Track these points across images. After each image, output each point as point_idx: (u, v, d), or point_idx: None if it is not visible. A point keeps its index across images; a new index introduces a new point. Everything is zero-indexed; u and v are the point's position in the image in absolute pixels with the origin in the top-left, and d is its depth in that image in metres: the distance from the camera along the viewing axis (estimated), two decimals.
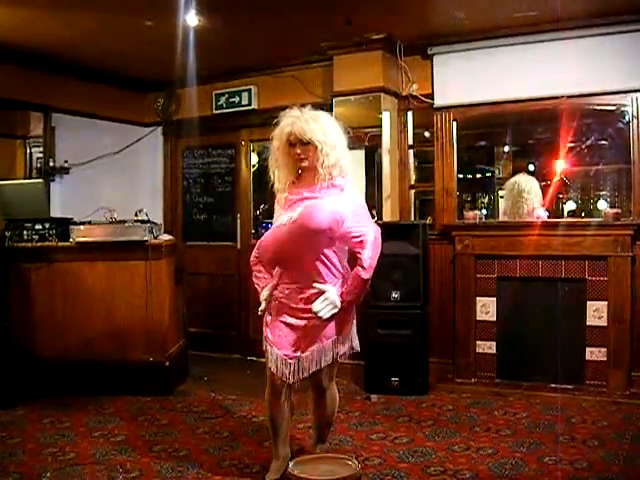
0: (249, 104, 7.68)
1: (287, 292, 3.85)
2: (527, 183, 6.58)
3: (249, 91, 7.65)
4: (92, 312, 6.10)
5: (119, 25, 6.18)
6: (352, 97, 6.71)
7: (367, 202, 6.52)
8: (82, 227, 6.05)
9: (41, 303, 6.16)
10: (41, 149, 7.68)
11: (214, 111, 7.90)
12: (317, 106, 7.01)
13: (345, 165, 3.79)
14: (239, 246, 7.96)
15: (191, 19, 5.82)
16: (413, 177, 7.00)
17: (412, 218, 6.93)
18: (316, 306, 3.68)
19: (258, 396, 5.65)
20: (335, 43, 6.67)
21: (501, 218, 6.76)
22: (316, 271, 3.76)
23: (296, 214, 3.67)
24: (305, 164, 3.75)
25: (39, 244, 6.17)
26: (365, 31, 6.41)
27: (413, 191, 6.99)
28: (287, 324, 3.87)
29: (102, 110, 7.83)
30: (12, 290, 6.00)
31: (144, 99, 8.40)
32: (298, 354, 3.84)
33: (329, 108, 6.89)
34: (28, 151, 7.89)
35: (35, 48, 6.77)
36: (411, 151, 6.97)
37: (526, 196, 6.52)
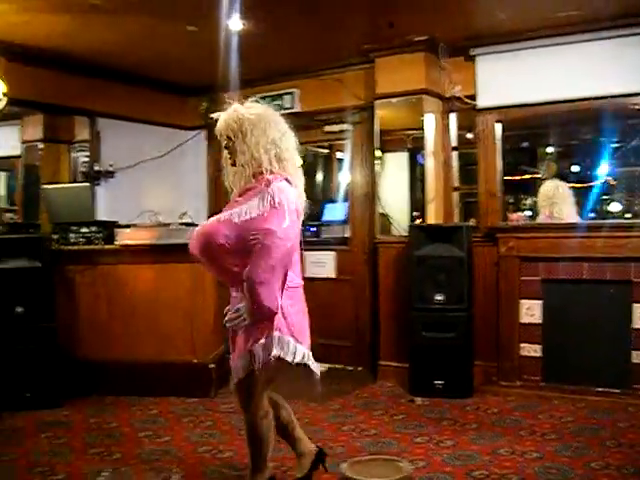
0: (292, 107, 7.68)
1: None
2: (559, 189, 6.50)
3: (292, 94, 7.67)
4: (136, 314, 6.16)
5: (163, 30, 6.24)
6: (394, 99, 6.69)
7: (410, 204, 6.60)
8: (127, 230, 6.13)
9: (86, 305, 6.26)
10: (85, 153, 7.77)
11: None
12: (359, 108, 7.15)
13: (266, 162, 3.55)
14: None
15: (234, 24, 5.85)
16: (457, 179, 6.97)
17: (456, 220, 6.89)
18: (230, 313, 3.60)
19: (301, 398, 5.70)
20: (377, 45, 6.67)
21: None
22: (236, 282, 3.60)
23: (204, 225, 3.60)
24: (231, 160, 3.64)
25: (85, 247, 6.29)
26: (407, 33, 6.39)
27: (457, 193, 6.95)
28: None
29: (146, 114, 7.93)
30: (58, 292, 6.07)
31: (187, 103, 8.45)
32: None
33: (371, 110, 6.92)
34: (73, 155, 7.97)
35: (80, 54, 6.87)
36: (454, 153, 6.93)
37: (558, 201, 6.44)
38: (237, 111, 3.61)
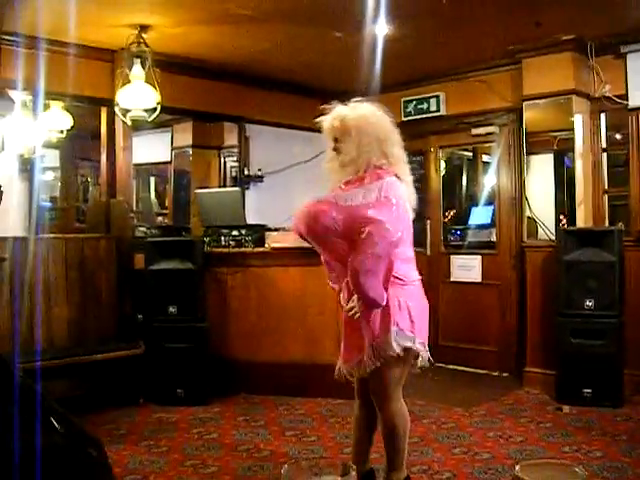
0: (437, 110, 7.67)
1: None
2: None
3: (437, 97, 7.64)
4: (285, 315, 6.30)
5: (308, 37, 6.38)
6: (542, 100, 6.58)
7: (556, 207, 6.45)
8: (276, 233, 6.27)
9: (236, 306, 6.45)
10: (234, 158, 8.02)
11: (402, 118, 7.93)
12: (506, 110, 7.05)
13: (376, 159, 3.59)
14: (429, 252, 7.89)
15: (380, 29, 5.90)
16: (606, 181, 6.77)
17: (606, 224, 6.68)
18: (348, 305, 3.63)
19: (447, 402, 5.70)
20: (524, 46, 6.57)
21: None
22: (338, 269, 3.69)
23: (313, 203, 3.66)
24: (339, 159, 3.66)
25: (235, 250, 6.48)
26: (554, 32, 6.26)
27: (606, 196, 6.75)
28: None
29: (293, 119, 8.07)
30: (209, 293, 6.30)
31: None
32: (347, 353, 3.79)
33: (519, 112, 6.82)
34: (222, 160, 8.23)
35: (229, 62, 7.13)
36: (604, 154, 6.73)
37: None
38: (341, 112, 3.69)
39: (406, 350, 3.60)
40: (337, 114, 3.69)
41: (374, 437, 4.01)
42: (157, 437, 5.12)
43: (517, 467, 2.92)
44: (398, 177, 3.61)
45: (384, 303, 3.50)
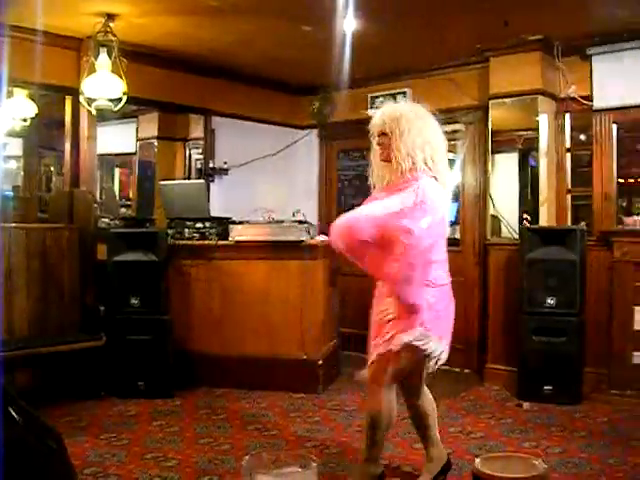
0: None
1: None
2: None
3: (404, 94, 7.64)
4: (248, 309, 6.28)
5: (277, 30, 6.37)
6: (508, 99, 6.63)
7: (520, 205, 6.51)
8: (241, 226, 6.24)
9: (199, 299, 6.42)
10: (200, 150, 7.97)
11: (369, 114, 7.94)
12: (473, 108, 7.10)
13: (420, 160, 3.64)
14: None
15: (349, 24, 5.89)
16: (570, 181, 6.83)
17: (569, 223, 6.76)
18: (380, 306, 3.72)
19: None
20: (491, 45, 6.62)
21: None
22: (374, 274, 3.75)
23: (348, 219, 3.71)
24: (384, 155, 3.73)
25: (199, 242, 6.45)
26: (522, 32, 6.31)
27: (570, 196, 6.82)
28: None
29: (259, 113, 8.08)
30: (173, 285, 6.25)
31: (300, 102, 8.57)
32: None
33: (485, 111, 6.86)
34: (187, 153, 8.18)
35: (196, 54, 7.08)
36: (568, 155, 6.80)
37: None
38: (396, 108, 3.78)
39: (422, 350, 3.65)
40: (391, 109, 3.78)
41: (430, 431, 4.14)
42: (118, 430, 5.07)
43: (477, 460, 2.95)
44: (437, 180, 3.68)
45: (424, 305, 3.56)
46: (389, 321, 3.64)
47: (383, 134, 3.72)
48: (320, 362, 6.18)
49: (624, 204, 7.09)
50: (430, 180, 3.62)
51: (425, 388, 4.03)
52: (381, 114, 3.76)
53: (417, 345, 3.60)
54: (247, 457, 2.62)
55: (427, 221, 3.48)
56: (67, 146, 6.66)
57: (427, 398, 4.08)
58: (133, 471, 4.27)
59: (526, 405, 5.83)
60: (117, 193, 9.27)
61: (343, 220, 3.70)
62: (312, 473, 2.54)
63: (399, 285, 3.51)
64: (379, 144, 3.76)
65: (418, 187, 3.54)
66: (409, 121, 3.67)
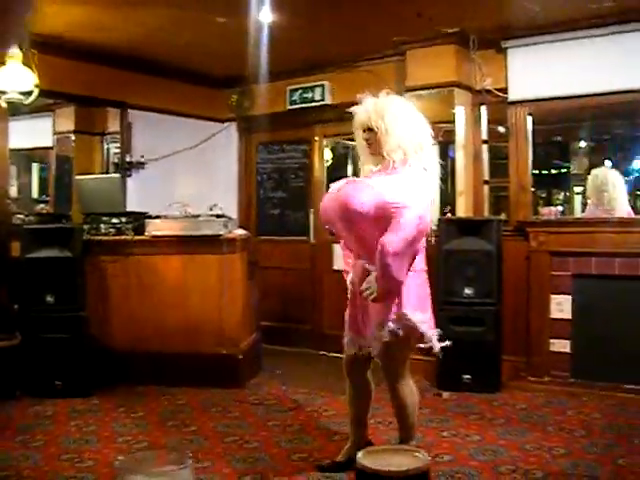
0: (323, 99, 7.71)
1: (353, 266, 3.96)
2: (608, 174, 6.36)
3: (322, 87, 7.67)
4: (166, 304, 6.20)
5: (192, 22, 6.27)
6: (425, 92, 6.64)
7: (441, 197, 6.57)
8: (157, 221, 6.17)
9: (117, 295, 6.31)
10: (118, 145, 7.84)
11: (288, 107, 7.96)
12: None
13: (411, 150, 3.71)
14: (312, 241, 8.02)
15: (264, 15, 5.85)
16: (487, 172, 6.92)
17: (486, 214, 6.85)
18: (362, 286, 3.73)
19: (330, 390, 5.71)
20: (408, 38, 6.63)
21: (587, 214, 6.58)
22: (366, 251, 3.77)
23: (344, 185, 3.77)
24: (372, 149, 3.80)
25: (115, 237, 6.34)
26: (438, 25, 6.33)
27: (487, 187, 6.91)
28: (352, 303, 4.00)
29: (177, 106, 7.98)
30: (89, 282, 6.12)
31: (218, 95, 8.50)
32: (360, 335, 3.94)
33: None
34: (106, 147, 8.05)
35: (112, 46, 6.93)
36: (485, 146, 6.89)
37: (608, 189, 6.30)
38: (379, 102, 3.80)
39: (413, 331, 3.78)
40: (371, 105, 3.80)
41: (368, 415, 4.22)
42: (33, 431, 4.94)
43: (359, 454, 2.95)
44: (426, 171, 3.75)
45: (403, 286, 3.65)
46: (371, 305, 3.78)
47: (369, 129, 3.77)
48: (240, 356, 6.14)
49: (544, 195, 7.23)
50: (419, 171, 3.70)
51: (410, 380, 4.05)
52: (365, 109, 3.80)
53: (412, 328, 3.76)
54: (120, 458, 2.58)
55: (422, 207, 3.58)
56: None
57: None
58: (48, 473, 4.16)
59: (445, 394, 5.89)
60: (37, 189, 9.07)
61: (337, 186, 3.78)
62: (188, 471, 2.52)
63: (390, 258, 3.50)
64: (366, 139, 3.81)
65: (408, 177, 3.64)
66: (395, 113, 3.74)
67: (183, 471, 2.50)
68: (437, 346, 3.86)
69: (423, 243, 3.84)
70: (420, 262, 3.84)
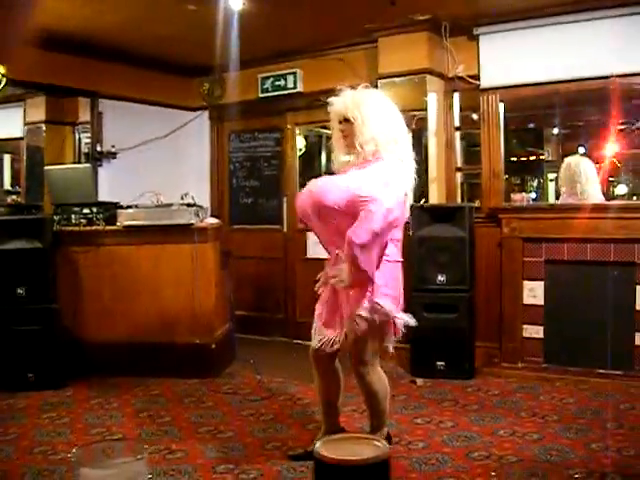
0: (294, 87, 7.68)
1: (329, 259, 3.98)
2: (580, 164, 6.37)
3: (294, 74, 7.64)
4: (139, 295, 6.17)
5: (163, 10, 6.21)
6: (397, 79, 6.64)
7: (415, 185, 6.58)
8: (129, 211, 6.12)
9: (89, 286, 6.26)
10: (89, 134, 7.78)
11: (259, 95, 7.92)
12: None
13: (384, 143, 3.75)
14: (285, 229, 8.01)
15: (235, 3, 5.82)
16: (460, 160, 6.93)
17: (459, 201, 6.87)
18: (332, 271, 3.78)
19: (303, 379, 5.69)
20: (379, 25, 6.60)
21: (561, 201, 6.56)
22: (336, 245, 3.79)
23: (317, 184, 3.79)
24: (347, 141, 3.83)
25: (87, 228, 6.29)
26: (410, 12, 6.32)
27: (460, 174, 6.92)
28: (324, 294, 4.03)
29: (148, 95, 7.93)
30: (61, 273, 6.06)
31: (190, 84, 8.46)
32: (328, 326, 3.95)
33: None
34: (77, 137, 7.99)
35: (81, 34, 6.83)
36: (458, 133, 6.90)
37: (580, 181, 6.31)
38: (356, 94, 3.84)
39: (385, 320, 3.82)
40: (348, 96, 3.83)
41: (338, 402, 4.25)
42: (5, 424, 4.90)
43: (317, 443, 2.94)
44: (400, 161, 3.78)
45: (374, 278, 3.67)
46: (344, 293, 3.81)
47: (345, 120, 3.81)
48: (213, 346, 6.12)
49: (518, 182, 7.25)
50: (394, 163, 3.74)
51: (380, 368, 4.09)
52: (342, 100, 3.84)
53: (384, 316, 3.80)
54: (76, 449, 2.55)
55: (394, 199, 3.61)
56: None
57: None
58: (20, 467, 4.12)
59: (420, 381, 5.91)
60: (9, 180, 8.99)
61: (312, 185, 3.80)
62: (142, 463, 2.50)
63: (357, 249, 3.53)
64: (341, 131, 3.85)
65: (382, 169, 3.68)
66: (371, 106, 3.79)
67: (138, 462, 2.48)
68: (401, 324, 3.92)
69: (399, 234, 3.88)
70: (396, 253, 3.88)
